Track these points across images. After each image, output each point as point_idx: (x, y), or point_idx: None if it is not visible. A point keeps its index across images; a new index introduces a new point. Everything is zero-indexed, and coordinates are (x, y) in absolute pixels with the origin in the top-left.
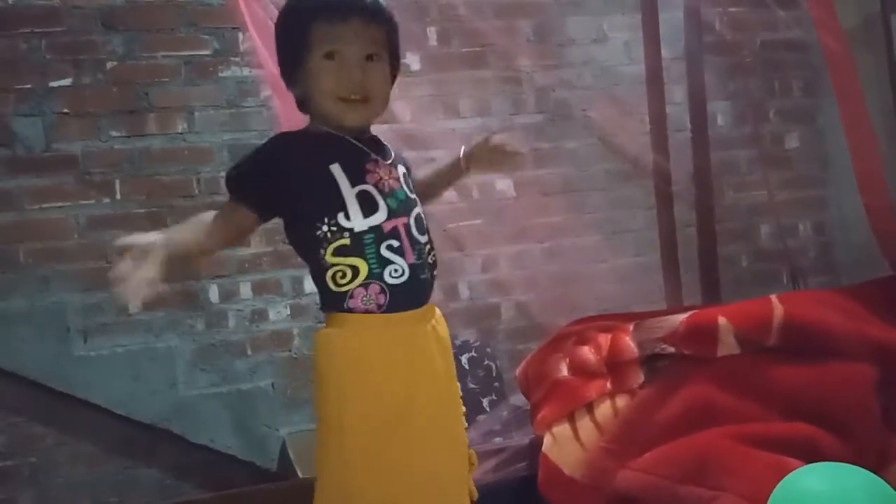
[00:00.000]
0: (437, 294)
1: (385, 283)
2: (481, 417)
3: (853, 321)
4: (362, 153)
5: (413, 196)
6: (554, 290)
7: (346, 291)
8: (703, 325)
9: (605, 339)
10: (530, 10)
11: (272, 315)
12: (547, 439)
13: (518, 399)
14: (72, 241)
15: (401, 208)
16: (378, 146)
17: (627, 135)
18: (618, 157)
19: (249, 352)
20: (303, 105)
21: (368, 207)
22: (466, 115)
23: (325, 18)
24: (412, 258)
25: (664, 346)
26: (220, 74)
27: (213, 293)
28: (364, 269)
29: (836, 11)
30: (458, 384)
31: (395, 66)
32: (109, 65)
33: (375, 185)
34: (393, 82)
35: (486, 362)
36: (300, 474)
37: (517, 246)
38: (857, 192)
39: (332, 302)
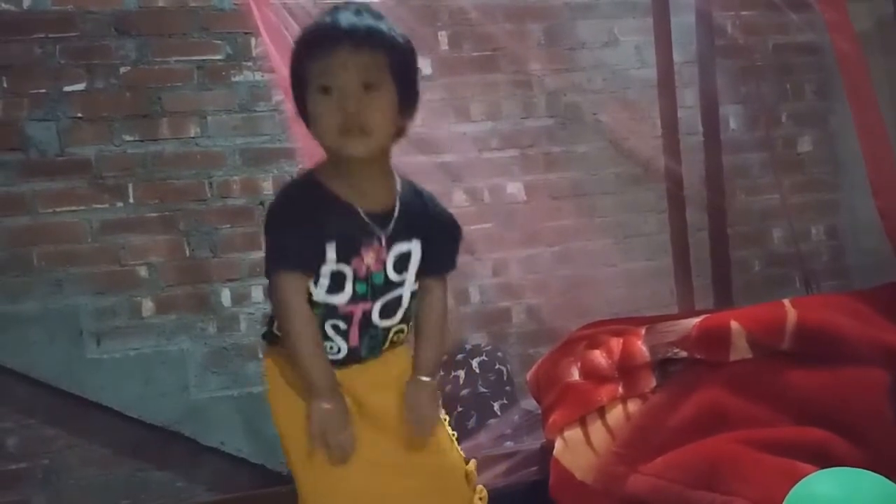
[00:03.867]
0: (448, 298)
1: None
2: (492, 421)
3: (866, 325)
4: (363, 231)
5: (398, 279)
6: (565, 293)
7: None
8: (715, 330)
9: (616, 344)
10: (541, 13)
11: None
12: (558, 444)
13: (529, 403)
14: (85, 245)
15: (370, 293)
16: (386, 219)
17: (639, 138)
18: (629, 160)
19: (261, 355)
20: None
21: (335, 286)
22: (477, 119)
23: (315, 52)
24: (356, 342)
25: (676, 350)
26: (233, 79)
27: (226, 297)
28: None
29: (849, 14)
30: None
31: (406, 92)
32: (123, 70)
33: (354, 270)
34: (409, 110)
35: (497, 366)
36: None
37: (528, 250)
38: (870, 195)
39: (272, 335)
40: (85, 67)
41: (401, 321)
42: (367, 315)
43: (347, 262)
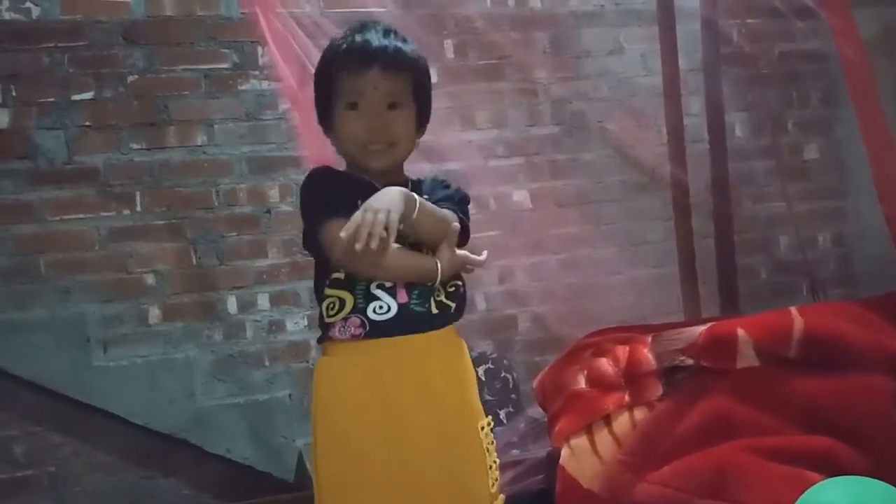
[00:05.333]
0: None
1: (367, 317)
2: (498, 429)
3: (873, 333)
4: None
5: None
6: (571, 301)
7: (332, 323)
8: (722, 337)
9: (622, 352)
10: (546, 22)
11: (289, 326)
12: (564, 452)
13: (535, 411)
14: (92, 253)
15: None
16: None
17: (644, 146)
18: (635, 168)
19: (267, 362)
20: (339, 150)
21: None
22: (483, 127)
23: (347, 69)
24: (405, 298)
25: (683, 358)
26: (240, 88)
27: (232, 304)
28: (349, 303)
29: (855, 21)
30: (479, 421)
31: (423, 109)
32: (130, 78)
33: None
34: (424, 125)
35: (502, 374)
36: None
37: (534, 257)
38: (877, 202)
39: (323, 331)
40: (93, 76)
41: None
42: None
43: None
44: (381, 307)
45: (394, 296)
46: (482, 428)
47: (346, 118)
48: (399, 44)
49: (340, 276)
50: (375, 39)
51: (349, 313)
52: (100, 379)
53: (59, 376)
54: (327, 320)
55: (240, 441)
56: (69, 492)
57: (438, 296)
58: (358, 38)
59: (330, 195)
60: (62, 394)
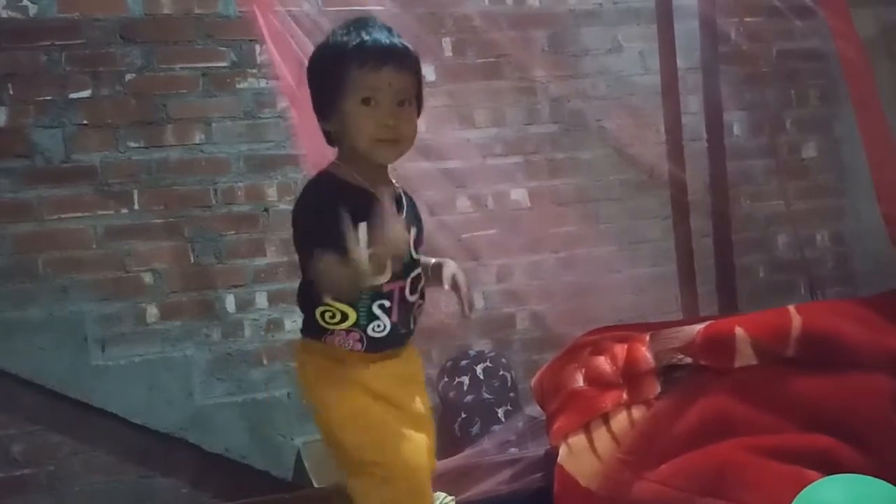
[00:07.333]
0: (453, 305)
1: (366, 334)
2: (496, 428)
3: (872, 332)
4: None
5: (417, 257)
6: (569, 300)
7: (329, 329)
8: (720, 336)
9: (621, 350)
10: (545, 20)
11: (288, 325)
12: (562, 450)
13: (533, 409)
14: (90, 252)
15: (402, 272)
16: (398, 202)
17: (643, 145)
18: (633, 167)
19: (265, 361)
20: (332, 140)
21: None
22: (481, 126)
23: (362, 65)
24: (396, 318)
25: (681, 356)
26: (238, 86)
27: (230, 303)
28: (352, 318)
29: (854, 20)
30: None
31: (420, 106)
32: (128, 77)
33: None
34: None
35: (501, 372)
36: (315, 484)
37: (532, 256)
38: (875, 201)
39: (313, 330)
40: (90, 74)
41: (420, 296)
42: (402, 292)
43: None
44: (378, 326)
45: (389, 316)
46: None
47: (359, 113)
48: (405, 43)
49: None
50: (384, 38)
51: (351, 327)
52: (98, 378)
53: (58, 375)
54: (324, 325)
55: (238, 440)
56: (68, 491)
57: (413, 314)
58: (365, 35)
59: (323, 226)
60: (60, 393)
